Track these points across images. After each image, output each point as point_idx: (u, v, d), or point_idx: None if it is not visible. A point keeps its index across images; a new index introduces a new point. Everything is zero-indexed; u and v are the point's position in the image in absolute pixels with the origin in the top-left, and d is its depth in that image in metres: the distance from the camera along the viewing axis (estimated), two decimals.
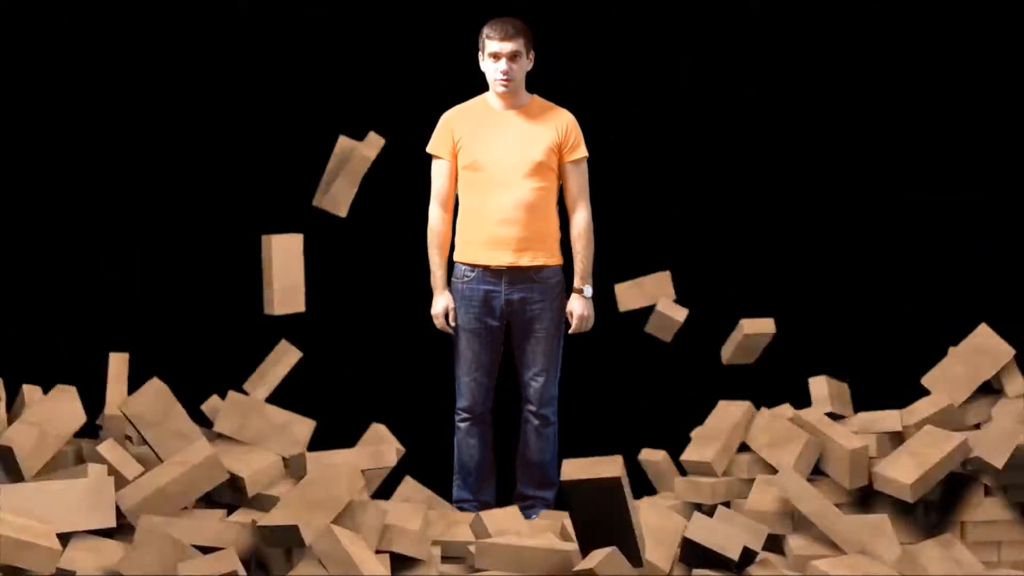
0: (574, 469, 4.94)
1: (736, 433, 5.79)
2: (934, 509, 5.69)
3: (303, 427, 5.72)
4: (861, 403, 5.94)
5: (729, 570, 5.19)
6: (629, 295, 6.01)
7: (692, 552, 5.19)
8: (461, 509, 5.92)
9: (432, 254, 5.91)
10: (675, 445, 6.35)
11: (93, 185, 6.64)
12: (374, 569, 4.95)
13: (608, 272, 6.14)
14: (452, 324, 5.89)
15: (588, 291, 5.88)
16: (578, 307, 5.87)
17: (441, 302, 5.89)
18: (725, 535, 5.11)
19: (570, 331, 5.89)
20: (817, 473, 5.74)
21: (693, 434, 5.91)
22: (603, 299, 6.01)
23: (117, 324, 6.52)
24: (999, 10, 6.73)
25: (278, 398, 5.96)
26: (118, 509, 5.18)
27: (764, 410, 5.76)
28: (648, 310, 6.08)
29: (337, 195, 5.74)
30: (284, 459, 5.62)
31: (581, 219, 5.90)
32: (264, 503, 5.31)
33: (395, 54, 6.78)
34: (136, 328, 6.39)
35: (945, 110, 6.82)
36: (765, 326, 5.92)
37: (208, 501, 5.41)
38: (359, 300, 6.69)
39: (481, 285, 5.88)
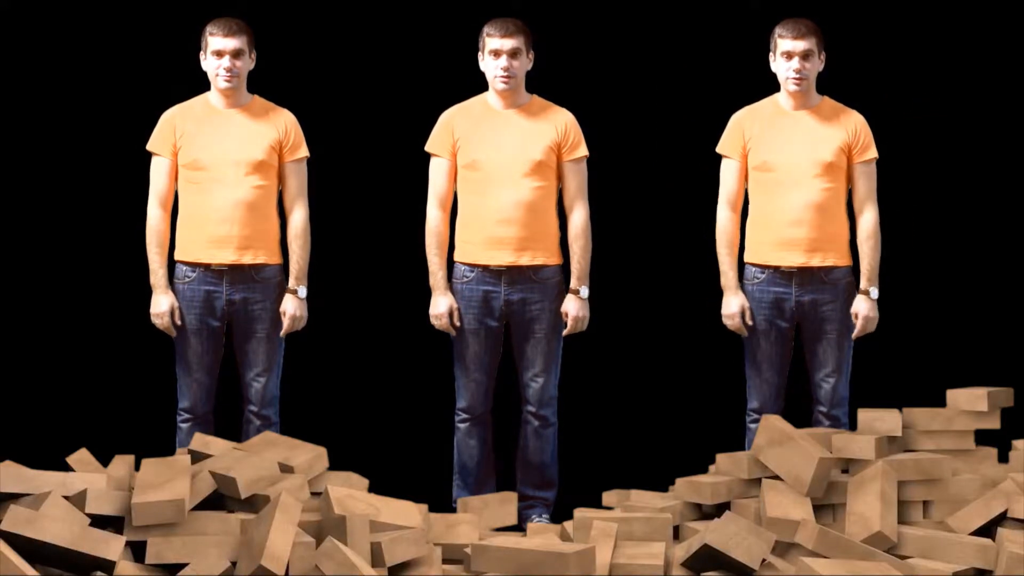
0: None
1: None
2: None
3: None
4: (861, 403, 5.93)
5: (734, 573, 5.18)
6: None
7: (700, 557, 5.17)
8: None
9: (431, 255, 5.90)
10: (673, 445, 6.35)
11: (87, 187, 6.66)
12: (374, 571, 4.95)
13: (607, 273, 6.13)
14: (456, 324, 5.89)
15: (584, 292, 5.88)
16: (574, 308, 5.87)
17: (444, 302, 5.88)
18: (744, 542, 5.09)
19: (565, 332, 5.89)
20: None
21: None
22: (602, 299, 6.01)
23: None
24: (1000, 11, 6.73)
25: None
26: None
27: (767, 416, 5.75)
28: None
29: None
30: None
31: (579, 218, 5.90)
32: (258, 504, 5.31)
33: (395, 54, 6.78)
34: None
35: (946, 109, 6.81)
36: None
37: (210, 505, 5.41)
38: (359, 300, 6.69)
39: (480, 285, 5.88)
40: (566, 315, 5.88)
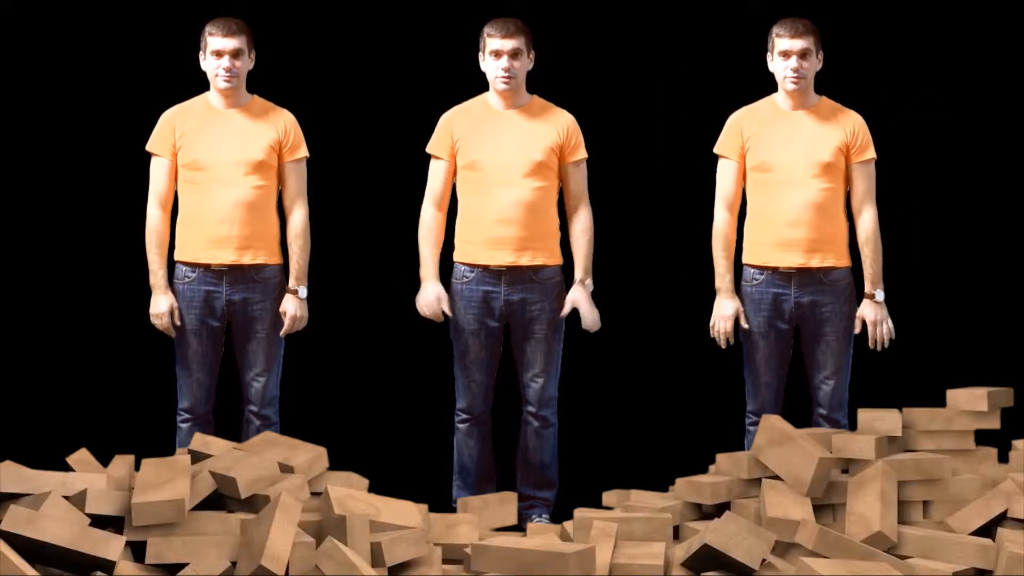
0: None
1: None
2: None
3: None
4: (861, 403, 5.93)
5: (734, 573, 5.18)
6: None
7: (700, 557, 5.17)
8: None
9: (424, 247, 5.89)
10: (673, 445, 6.35)
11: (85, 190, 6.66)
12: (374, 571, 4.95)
13: (607, 273, 6.13)
14: (444, 310, 5.85)
15: (590, 284, 5.88)
16: (581, 298, 5.85)
17: (432, 290, 5.86)
18: (744, 542, 5.09)
19: (583, 326, 5.88)
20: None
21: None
22: (602, 300, 6.00)
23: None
24: (1000, 11, 6.73)
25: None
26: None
27: (767, 416, 5.75)
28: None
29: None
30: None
31: (585, 218, 5.90)
32: (258, 504, 5.31)
33: (395, 54, 6.78)
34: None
35: (946, 109, 6.82)
36: None
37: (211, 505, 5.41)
38: (359, 300, 6.68)
39: (480, 286, 5.88)
40: (574, 302, 5.86)
